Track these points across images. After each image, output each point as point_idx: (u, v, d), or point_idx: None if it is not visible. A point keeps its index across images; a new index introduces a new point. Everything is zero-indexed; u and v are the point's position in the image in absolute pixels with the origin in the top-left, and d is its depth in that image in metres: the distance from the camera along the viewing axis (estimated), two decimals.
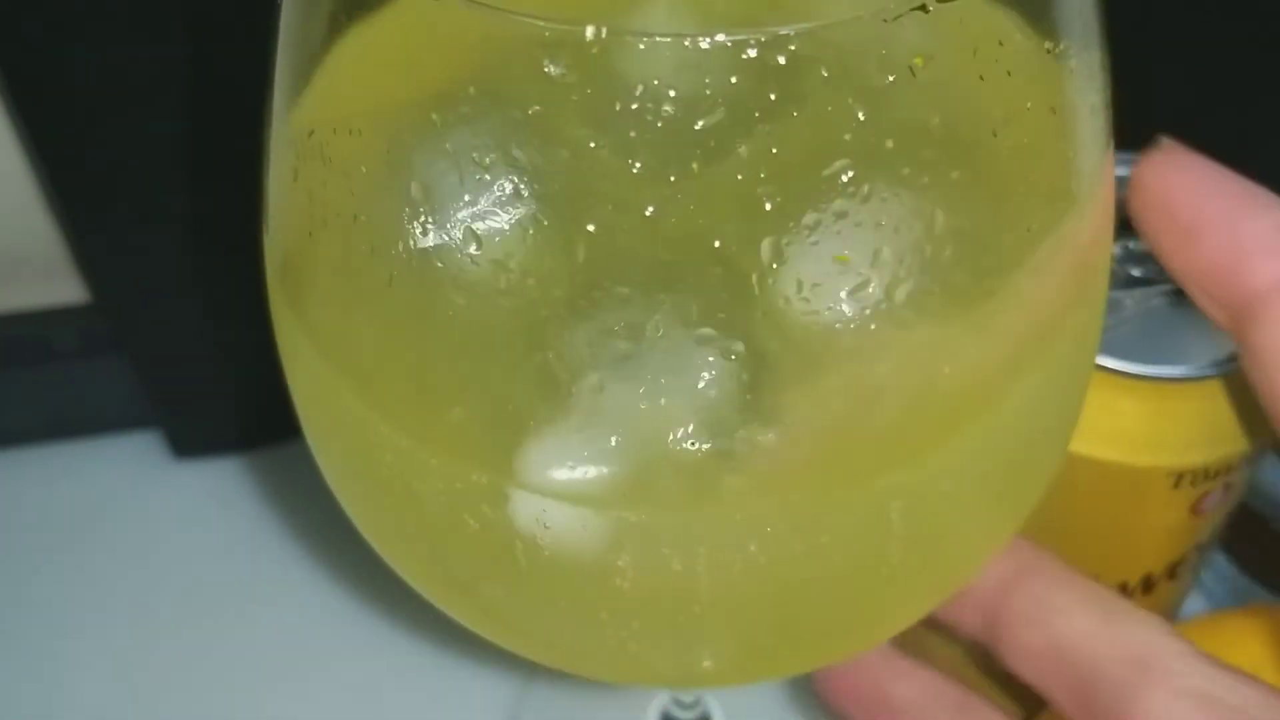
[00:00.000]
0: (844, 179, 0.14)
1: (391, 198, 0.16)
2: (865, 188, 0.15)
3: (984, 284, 0.16)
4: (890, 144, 0.15)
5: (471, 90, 0.15)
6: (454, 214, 0.16)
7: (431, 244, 0.16)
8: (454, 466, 0.18)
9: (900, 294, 0.15)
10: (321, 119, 0.17)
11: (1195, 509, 0.29)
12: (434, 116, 0.15)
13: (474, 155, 0.15)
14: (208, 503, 0.43)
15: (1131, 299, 0.28)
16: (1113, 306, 0.28)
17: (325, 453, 0.22)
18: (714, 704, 0.36)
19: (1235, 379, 0.27)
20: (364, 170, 0.16)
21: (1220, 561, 0.38)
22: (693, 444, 0.16)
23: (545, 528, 0.18)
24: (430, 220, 0.16)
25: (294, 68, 0.17)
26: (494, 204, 0.15)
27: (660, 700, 0.36)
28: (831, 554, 0.17)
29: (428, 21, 0.15)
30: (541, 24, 0.14)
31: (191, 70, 0.35)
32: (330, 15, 0.16)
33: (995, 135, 0.16)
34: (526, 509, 0.18)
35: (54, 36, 0.33)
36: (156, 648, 0.40)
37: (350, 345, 0.19)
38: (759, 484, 0.16)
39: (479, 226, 0.15)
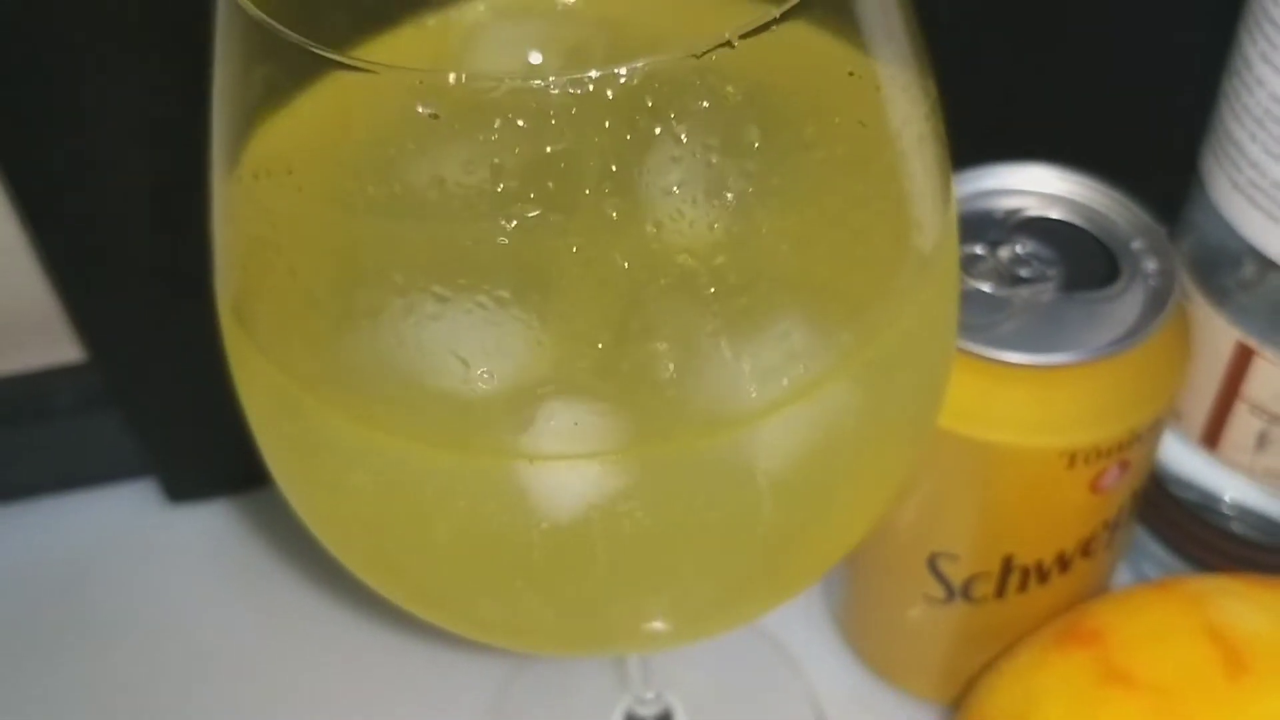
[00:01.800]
0: (675, 190, 0.17)
1: (318, 230, 0.19)
2: (695, 201, 0.17)
3: (814, 282, 0.19)
4: (718, 160, 0.18)
5: (366, 133, 0.18)
6: (368, 233, 0.19)
7: (352, 260, 0.19)
8: (409, 448, 0.21)
9: (737, 286, 0.18)
10: (253, 168, 0.20)
11: (1094, 487, 0.31)
12: (341, 155, 0.18)
13: (369, 189, 0.18)
14: (202, 542, 0.46)
15: (1018, 297, 0.31)
16: (1001, 304, 0.31)
17: (282, 466, 0.25)
18: (675, 701, 0.38)
19: (1116, 362, 0.30)
20: (291, 208, 0.19)
21: (1151, 545, 0.41)
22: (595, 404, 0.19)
23: (485, 491, 0.20)
24: (350, 239, 0.19)
25: (230, 125, 0.20)
26: (395, 222, 0.18)
27: (624, 701, 0.38)
28: (712, 508, 0.20)
29: (339, 82, 0.18)
30: (415, 74, 0.17)
31: (179, 132, 0.38)
32: (262, 88, 0.19)
33: (821, 148, 0.19)
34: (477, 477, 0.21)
35: (43, 105, 0.36)
36: (158, 681, 0.43)
37: (299, 353, 0.22)
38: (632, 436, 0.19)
39: (388, 238, 0.18)
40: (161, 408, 0.44)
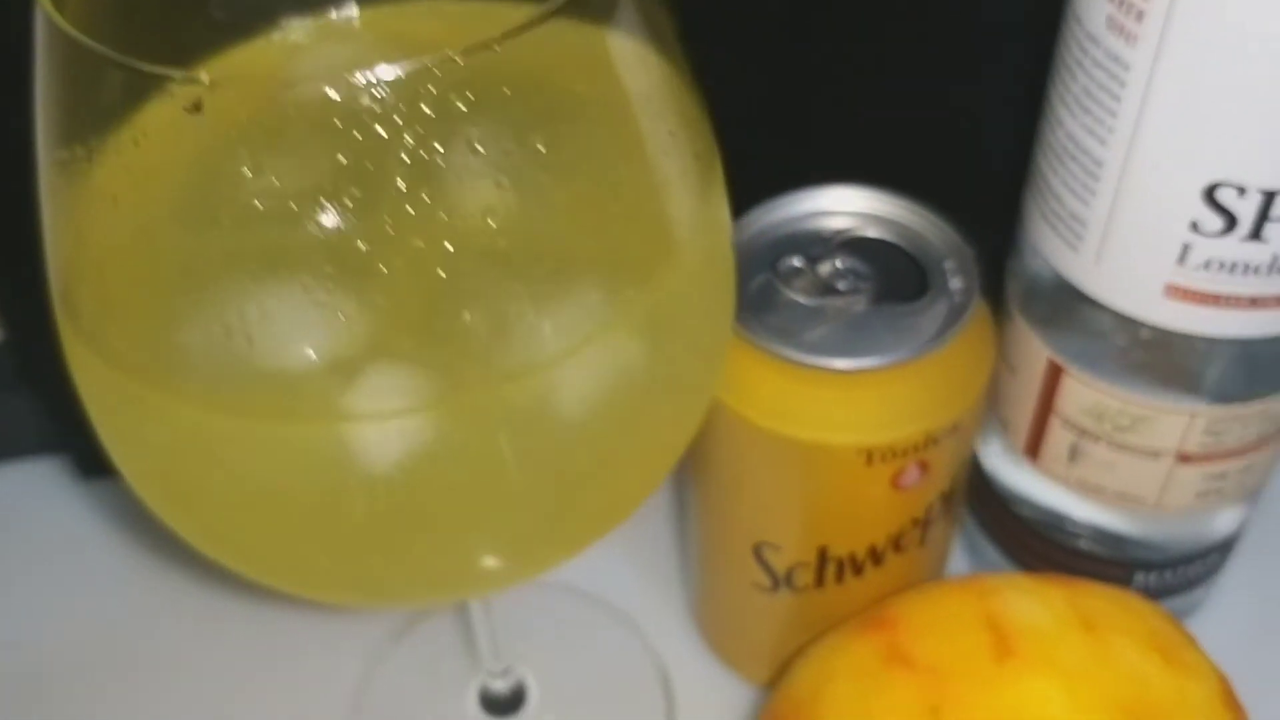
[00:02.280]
0: (402, 187, 0.20)
1: (135, 226, 0.22)
2: (458, 191, 0.20)
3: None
4: (477, 156, 0.21)
5: (181, 136, 0.21)
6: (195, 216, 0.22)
7: (173, 243, 0.22)
8: (238, 423, 0.24)
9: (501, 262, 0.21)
10: (69, 165, 0.22)
11: (895, 484, 0.34)
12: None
13: (182, 187, 0.21)
14: (110, 513, 0.49)
15: (832, 307, 0.33)
16: (814, 314, 0.33)
17: (114, 443, 0.27)
18: (529, 676, 0.41)
19: (910, 369, 0.32)
20: (108, 204, 0.22)
21: (983, 544, 0.43)
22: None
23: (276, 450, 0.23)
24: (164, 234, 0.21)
25: (50, 121, 0.23)
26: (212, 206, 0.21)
27: (477, 678, 0.41)
28: (497, 456, 0.23)
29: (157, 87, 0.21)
30: (178, 75, 0.19)
31: None
32: (74, 89, 0.22)
33: (575, 150, 0.22)
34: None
35: None
36: (61, 650, 0.45)
37: (116, 335, 0.24)
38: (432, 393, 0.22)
39: (199, 232, 0.21)
40: (73, 387, 0.47)
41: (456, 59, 0.20)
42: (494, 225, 0.22)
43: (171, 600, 0.46)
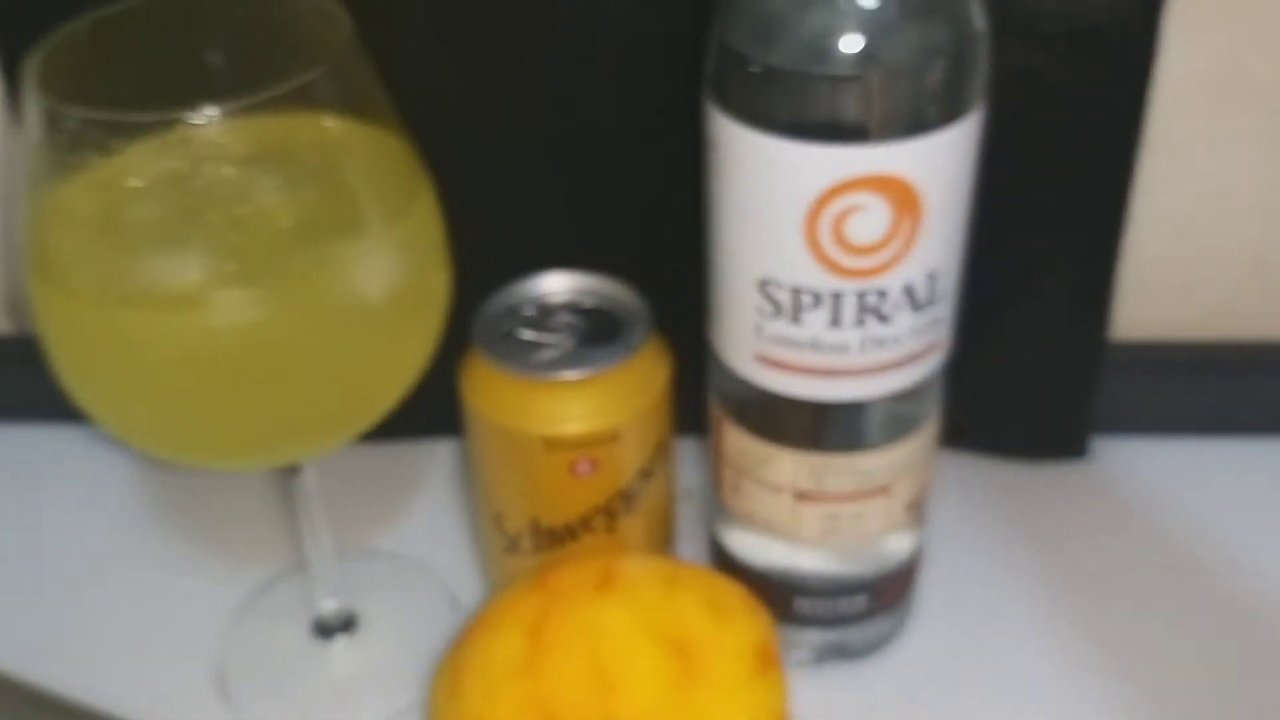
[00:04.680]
0: (225, 192, 0.39)
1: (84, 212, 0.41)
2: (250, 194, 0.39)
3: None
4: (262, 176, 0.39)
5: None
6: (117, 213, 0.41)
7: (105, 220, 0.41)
8: (130, 314, 0.41)
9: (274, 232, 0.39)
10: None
11: (572, 472, 0.49)
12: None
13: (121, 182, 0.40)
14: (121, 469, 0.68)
15: (551, 344, 0.49)
16: (534, 348, 0.49)
17: (57, 347, 0.45)
18: (358, 607, 0.57)
19: (585, 386, 0.48)
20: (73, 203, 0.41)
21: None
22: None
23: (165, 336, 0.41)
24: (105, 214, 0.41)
25: (35, 157, 0.42)
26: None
27: (309, 611, 0.57)
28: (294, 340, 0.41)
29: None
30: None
31: None
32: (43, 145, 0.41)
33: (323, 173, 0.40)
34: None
35: None
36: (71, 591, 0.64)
37: (67, 274, 0.43)
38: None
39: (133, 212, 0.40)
40: None
41: (220, 119, 0.38)
42: (270, 210, 0.40)
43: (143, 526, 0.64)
